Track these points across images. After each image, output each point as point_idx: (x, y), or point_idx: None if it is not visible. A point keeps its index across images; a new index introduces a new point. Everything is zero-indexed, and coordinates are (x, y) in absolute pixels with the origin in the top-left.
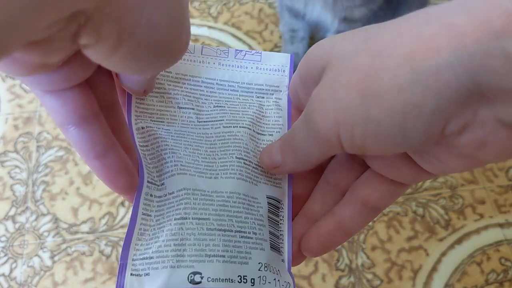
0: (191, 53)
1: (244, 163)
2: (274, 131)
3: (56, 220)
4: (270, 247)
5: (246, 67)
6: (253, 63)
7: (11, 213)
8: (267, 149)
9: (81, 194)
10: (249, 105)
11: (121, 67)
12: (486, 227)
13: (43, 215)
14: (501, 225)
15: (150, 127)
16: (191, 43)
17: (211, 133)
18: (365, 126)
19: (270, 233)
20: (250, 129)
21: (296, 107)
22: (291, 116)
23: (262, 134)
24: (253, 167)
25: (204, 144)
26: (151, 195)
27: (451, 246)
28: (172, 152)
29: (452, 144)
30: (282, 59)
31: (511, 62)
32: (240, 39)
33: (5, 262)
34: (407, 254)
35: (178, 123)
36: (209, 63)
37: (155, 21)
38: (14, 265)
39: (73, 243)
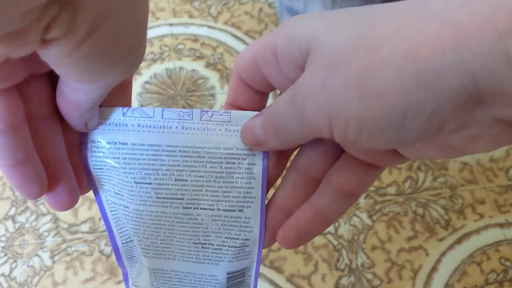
0: (150, 117)
1: (202, 247)
2: (244, 206)
3: (56, 220)
4: None
5: (214, 129)
6: (222, 125)
7: (11, 213)
8: (248, 126)
9: None
10: (215, 177)
11: (79, 67)
12: (486, 227)
13: (43, 215)
14: (501, 225)
15: (114, 202)
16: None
17: (170, 213)
18: (361, 124)
19: None
20: (212, 209)
21: (252, 84)
22: (266, 185)
23: (231, 211)
24: (214, 249)
25: (163, 225)
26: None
27: (451, 246)
28: (133, 234)
29: (443, 140)
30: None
31: None
32: (240, 39)
33: (5, 262)
34: (407, 254)
35: (136, 200)
36: (170, 127)
37: (123, 20)
38: (14, 265)
39: (73, 243)
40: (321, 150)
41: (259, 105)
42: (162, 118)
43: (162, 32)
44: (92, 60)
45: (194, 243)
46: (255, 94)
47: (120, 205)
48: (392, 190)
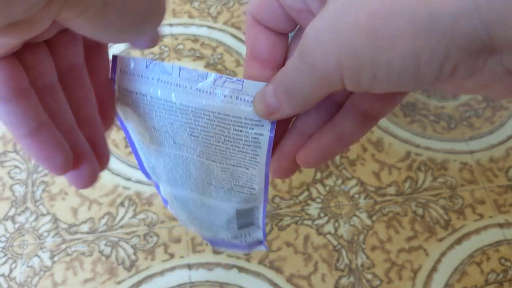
0: (168, 74)
1: (213, 187)
2: (250, 166)
3: (55, 220)
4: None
5: (225, 96)
6: (233, 92)
7: (11, 213)
8: (260, 96)
9: (80, 194)
10: (223, 139)
11: (105, 35)
12: (486, 227)
13: (43, 215)
14: (501, 225)
15: (139, 140)
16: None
17: (186, 156)
18: (375, 71)
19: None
20: (221, 163)
21: (271, 23)
22: (271, 154)
23: (238, 166)
24: (224, 191)
25: (181, 164)
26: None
27: (451, 246)
28: (156, 166)
29: (456, 85)
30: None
31: None
32: (239, 39)
33: (4, 262)
34: (406, 254)
35: (156, 143)
36: (185, 87)
37: None
38: (13, 265)
39: (72, 243)
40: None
41: (281, 50)
42: (179, 76)
43: (162, 32)
44: (117, 26)
45: (207, 183)
46: (275, 37)
47: (143, 143)
48: (391, 190)
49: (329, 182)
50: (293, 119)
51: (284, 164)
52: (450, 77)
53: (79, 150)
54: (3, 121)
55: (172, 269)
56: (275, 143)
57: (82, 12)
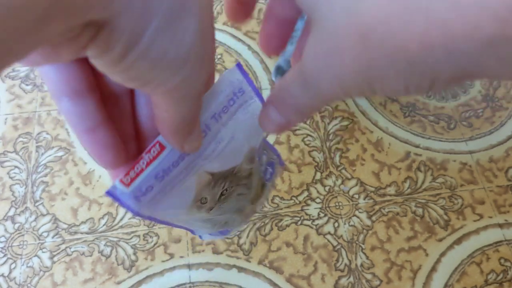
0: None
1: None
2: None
3: (55, 220)
4: None
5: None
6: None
7: (11, 213)
8: (265, 118)
9: (80, 194)
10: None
11: (126, 78)
12: (485, 227)
13: (43, 215)
14: (500, 225)
15: None
16: None
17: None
18: (372, 91)
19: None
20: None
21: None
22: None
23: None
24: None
25: None
26: None
27: (451, 247)
28: None
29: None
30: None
31: (503, 62)
32: (239, 40)
33: (4, 263)
34: (406, 255)
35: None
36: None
37: (163, 35)
38: (13, 266)
39: (72, 243)
40: None
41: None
42: None
43: None
44: (136, 71)
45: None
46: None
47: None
48: (391, 190)
49: (329, 182)
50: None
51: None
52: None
53: (128, 155)
54: (64, 116)
55: (172, 269)
56: None
57: (104, 52)
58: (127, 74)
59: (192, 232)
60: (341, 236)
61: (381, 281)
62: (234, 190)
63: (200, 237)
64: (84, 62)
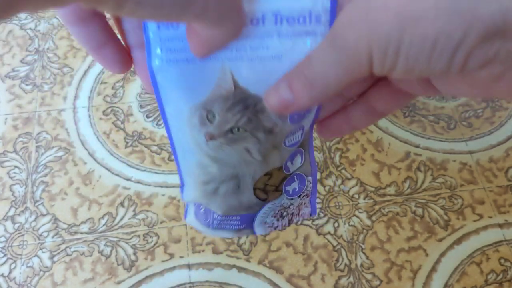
0: None
1: None
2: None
3: (55, 220)
4: None
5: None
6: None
7: (10, 213)
8: (273, 90)
9: (80, 194)
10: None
11: (147, 11)
12: (485, 228)
13: (43, 215)
14: (500, 226)
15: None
16: None
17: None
18: (398, 48)
19: None
20: None
21: None
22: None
23: None
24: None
25: None
26: None
27: (451, 247)
28: None
29: (470, 76)
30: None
31: None
32: None
33: (4, 263)
34: (406, 255)
35: None
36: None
37: None
38: (13, 266)
39: (72, 243)
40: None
41: None
42: None
43: None
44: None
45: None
46: None
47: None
48: (391, 190)
49: (329, 182)
50: None
51: None
52: (462, 66)
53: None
54: (76, 39)
55: (172, 269)
56: None
57: None
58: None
59: (181, 185)
60: (341, 236)
61: (381, 281)
62: (244, 138)
63: (182, 195)
64: None
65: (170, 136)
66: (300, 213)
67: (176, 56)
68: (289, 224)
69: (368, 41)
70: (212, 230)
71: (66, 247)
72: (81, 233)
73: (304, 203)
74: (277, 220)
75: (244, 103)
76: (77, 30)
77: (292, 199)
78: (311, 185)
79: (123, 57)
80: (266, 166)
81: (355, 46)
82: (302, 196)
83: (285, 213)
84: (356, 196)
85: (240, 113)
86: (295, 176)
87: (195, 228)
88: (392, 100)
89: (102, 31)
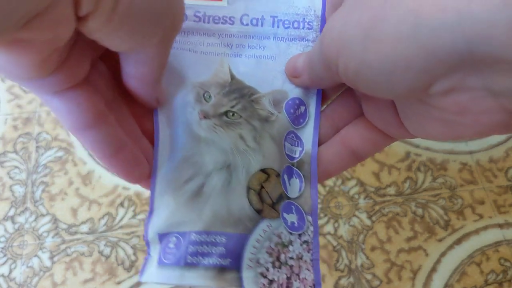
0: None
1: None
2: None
3: (55, 220)
4: None
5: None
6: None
7: (10, 213)
8: (295, 58)
9: (80, 194)
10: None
11: (121, 35)
12: (485, 228)
13: (43, 215)
14: (500, 226)
15: None
16: None
17: None
18: (359, 65)
19: None
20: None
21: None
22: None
23: None
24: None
25: None
26: None
27: (451, 247)
28: None
29: (434, 105)
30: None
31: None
32: None
33: (4, 263)
34: (406, 255)
35: None
36: None
37: None
38: (13, 266)
39: (72, 243)
40: (347, 105)
41: None
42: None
43: None
44: (129, 27)
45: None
46: None
47: None
48: (391, 190)
49: (329, 182)
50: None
51: None
52: (426, 90)
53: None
54: (87, 147)
55: None
56: None
57: (98, 5)
58: (122, 29)
59: (148, 215)
60: (341, 236)
61: (381, 281)
62: (239, 124)
63: (147, 233)
64: (90, 88)
65: (157, 137)
66: (300, 276)
67: (179, 46)
68: (287, 285)
69: (336, 52)
70: (181, 269)
71: (66, 247)
72: (81, 233)
73: (306, 261)
74: (273, 266)
75: (240, 92)
76: (95, 133)
77: (291, 233)
78: (312, 229)
79: (139, 158)
80: (262, 159)
81: (328, 52)
82: (302, 241)
83: (283, 258)
84: (356, 196)
85: (236, 100)
86: (292, 206)
87: (156, 282)
88: (369, 139)
89: (119, 130)
